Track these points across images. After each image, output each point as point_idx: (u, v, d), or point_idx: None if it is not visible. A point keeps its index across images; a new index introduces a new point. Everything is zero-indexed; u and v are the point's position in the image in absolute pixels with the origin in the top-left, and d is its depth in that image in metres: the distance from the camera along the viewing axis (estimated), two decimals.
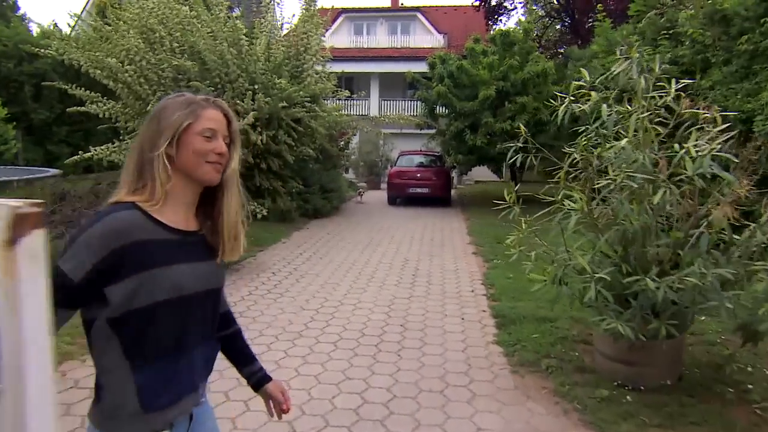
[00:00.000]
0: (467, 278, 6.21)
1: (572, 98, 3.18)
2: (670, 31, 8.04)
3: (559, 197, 3.67)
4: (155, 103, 8.31)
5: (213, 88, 8.36)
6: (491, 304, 5.13)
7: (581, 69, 3.30)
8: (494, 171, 14.27)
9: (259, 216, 9.22)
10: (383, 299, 5.28)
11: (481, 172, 18.10)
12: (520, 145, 3.46)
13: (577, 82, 3.20)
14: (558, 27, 24.37)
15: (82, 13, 8.35)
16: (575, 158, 3.36)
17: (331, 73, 11.36)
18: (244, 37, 8.39)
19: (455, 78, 12.23)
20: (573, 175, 3.79)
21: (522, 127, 3.54)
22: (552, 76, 11.99)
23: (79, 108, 8.17)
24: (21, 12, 26.42)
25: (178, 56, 8.08)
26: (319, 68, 10.80)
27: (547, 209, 3.68)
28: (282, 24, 9.91)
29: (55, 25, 13.00)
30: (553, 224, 3.52)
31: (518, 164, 3.41)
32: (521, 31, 12.40)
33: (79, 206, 5.31)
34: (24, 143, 14.41)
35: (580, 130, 3.36)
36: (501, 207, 3.52)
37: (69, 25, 9.11)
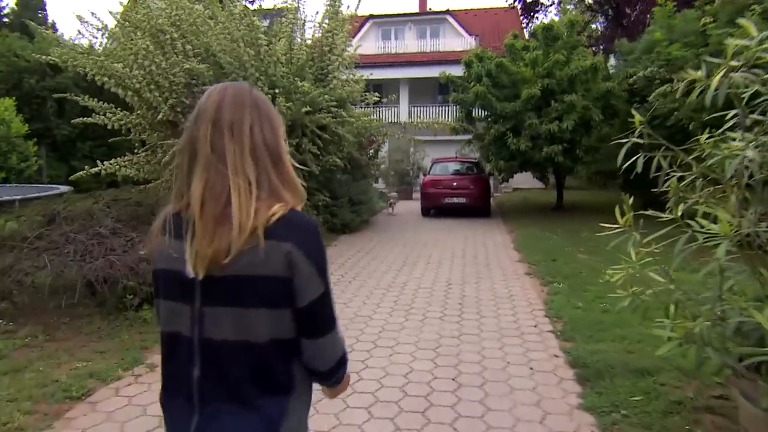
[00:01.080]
0: (526, 307, 5.16)
1: (732, 64, 2.14)
2: (753, 8, 6.84)
3: (677, 213, 2.65)
4: (166, 111, 7.61)
5: None
6: (564, 346, 4.08)
7: (743, 21, 2.26)
8: (539, 178, 13.12)
9: None
10: (427, 339, 4.30)
11: (520, 179, 16.91)
12: (636, 140, 2.45)
13: (736, 41, 2.16)
14: (594, 26, 23.07)
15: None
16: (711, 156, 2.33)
17: (360, 76, 10.53)
18: (262, 36, 7.62)
19: (494, 77, 11.21)
20: (686, 182, 2.79)
21: (637, 116, 2.53)
22: (602, 71, 10.83)
23: (85, 119, 7.56)
24: (59, 33, 26.78)
25: (192, 59, 7.37)
26: (346, 72, 10.01)
27: (658, 232, 2.65)
28: (305, 22, 9.14)
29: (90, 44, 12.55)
30: (676, 253, 2.49)
31: (639, 169, 2.40)
32: (566, 25, 11.29)
33: (69, 229, 4.55)
34: (48, 160, 14.12)
35: (728, 116, 2.32)
36: (611, 230, 2.50)
37: (79, 32, 8.57)
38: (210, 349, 0.98)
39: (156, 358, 3.86)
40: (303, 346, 1.01)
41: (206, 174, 0.96)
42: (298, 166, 1.10)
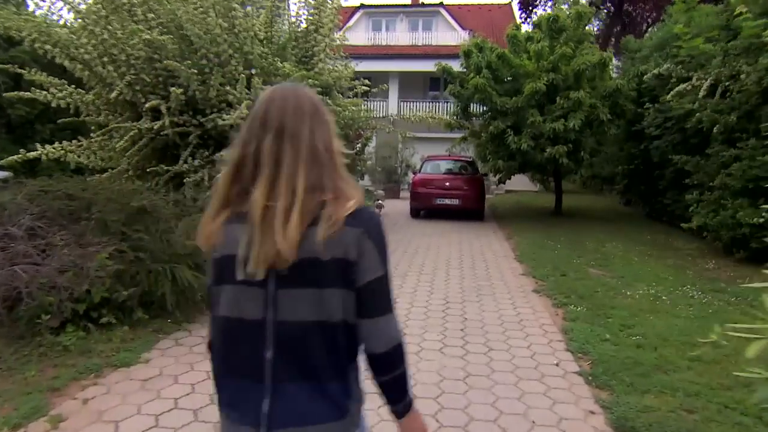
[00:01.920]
0: (541, 337, 4.29)
1: None
2: None
3: None
4: (122, 89, 6.56)
5: (196, 72, 6.59)
6: (599, 397, 3.21)
7: None
8: (539, 180, 12.31)
9: None
10: (425, 382, 3.39)
11: (514, 181, 16.13)
12: None
13: None
14: (588, 27, 22.44)
15: None
16: None
17: (348, 60, 9.61)
18: (237, 6, 6.62)
19: (494, 70, 10.34)
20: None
21: None
22: (611, 67, 10.05)
23: (21, 93, 6.47)
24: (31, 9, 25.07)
25: (154, 29, 6.33)
26: (332, 60, 9.09)
27: None
28: None
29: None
30: None
31: None
32: (572, 16, 10.46)
33: None
34: (1, 142, 12.84)
35: None
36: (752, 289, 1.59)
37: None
38: (285, 331, 1.02)
39: (66, 406, 2.90)
40: (361, 326, 1.07)
41: (269, 183, 1.01)
42: (345, 151, 1.16)
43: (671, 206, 9.66)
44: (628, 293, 5.51)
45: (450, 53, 18.76)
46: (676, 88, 7.84)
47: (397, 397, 1.13)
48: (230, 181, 1.06)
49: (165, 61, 6.14)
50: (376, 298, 1.06)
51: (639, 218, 11.88)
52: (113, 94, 6.20)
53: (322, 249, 0.99)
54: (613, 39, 20.74)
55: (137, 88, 6.54)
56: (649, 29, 16.75)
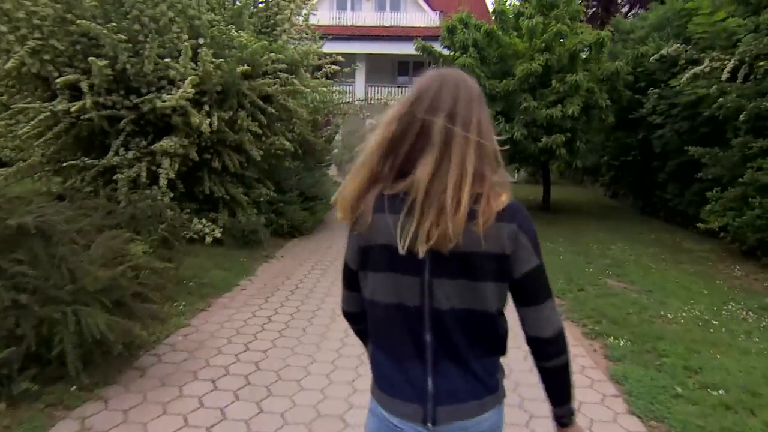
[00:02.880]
0: (589, 390, 3.24)
1: None
2: None
3: None
4: (27, 58, 4.87)
5: (126, 39, 5.19)
6: None
7: None
8: (530, 173, 11.36)
9: (209, 239, 6.17)
10: None
11: None
12: None
13: None
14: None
15: None
16: None
17: (317, 34, 8.33)
18: None
19: (480, 49, 9.23)
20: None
21: None
22: (608, 48, 9.13)
23: None
24: None
25: None
26: (296, 40, 7.81)
27: None
28: None
29: None
30: None
31: None
32: None
33: None
34: None
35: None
36: None
37: None
38: (439, 318, 1.06)
39: None
40: (527, 314, 1.09)
41: (437, 163, 1.00)
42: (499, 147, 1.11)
43: (672, 201, 8.89)
44: (669, 315, 4.56)
45: (419, 35, 17.60)
46: (692, 71, 6.97)
47: (562, 395, 1.14)
48: (382, 155, 1.05)
49: (79, 21, 4.72)
50: (537, 287, 1.08)
51: (631, 213, 11.14)
52: (9, 64, 4.74)
53: (478, 243, 0.99)
54: (585, 19, 20.04)
55: (46, 57, 5.09)
56: (633, 9, 16.04)
